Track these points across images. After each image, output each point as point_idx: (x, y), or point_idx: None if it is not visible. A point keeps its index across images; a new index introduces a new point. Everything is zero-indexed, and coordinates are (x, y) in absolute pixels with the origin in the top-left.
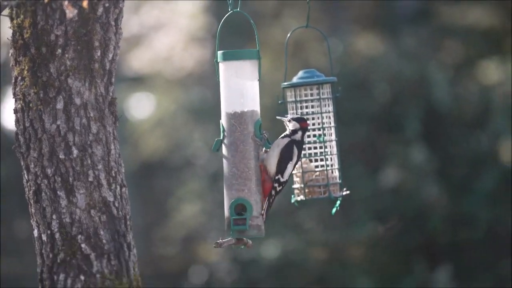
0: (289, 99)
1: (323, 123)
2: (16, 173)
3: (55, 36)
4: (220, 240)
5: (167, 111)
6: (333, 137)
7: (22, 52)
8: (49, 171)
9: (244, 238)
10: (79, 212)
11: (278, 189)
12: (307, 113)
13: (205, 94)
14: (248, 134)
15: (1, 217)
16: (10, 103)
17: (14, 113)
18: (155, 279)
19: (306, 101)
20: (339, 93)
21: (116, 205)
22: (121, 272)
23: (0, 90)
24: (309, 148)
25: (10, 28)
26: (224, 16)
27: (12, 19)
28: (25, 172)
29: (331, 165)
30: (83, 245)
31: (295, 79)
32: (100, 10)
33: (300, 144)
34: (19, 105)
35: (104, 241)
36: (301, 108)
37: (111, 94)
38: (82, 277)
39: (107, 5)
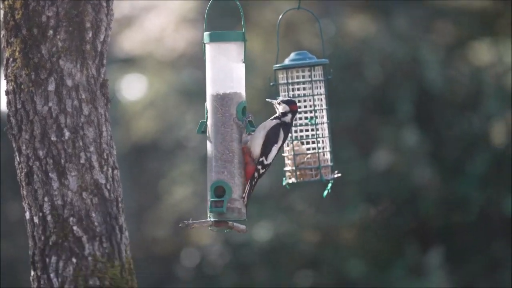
0: (280, 81)
1: (314, 106)
2: (9, 155)
3: (46, 17)
4: (188, 221)
5: (159, 93)
6: (325, 119)
7: (13, 33)
8: (40, 153)
9: (229, 222)
10: (71, 194)
11: (261, 171)
12: (298, 95)
13: (197, 76)
14: (230, 116)
15: None
16: (1, 85)
17: (6, 94)
18: (147, 261)
19: (298, 83)
20: (331, 75)
21: (108, 187)
22: (113, 254)
23: None
24: (301, 131)
25: (1, 9)
26: None
27: (3, 0)
28: (17, 154)
29: (323, 148)
30: (75, 228)
31: (287, 61)
32: None
33: (288, 127)
34: (11, 87)
35: (96, 223)
36: (293, 90)
37: (102, 75)
38: (74, 260)
39: None
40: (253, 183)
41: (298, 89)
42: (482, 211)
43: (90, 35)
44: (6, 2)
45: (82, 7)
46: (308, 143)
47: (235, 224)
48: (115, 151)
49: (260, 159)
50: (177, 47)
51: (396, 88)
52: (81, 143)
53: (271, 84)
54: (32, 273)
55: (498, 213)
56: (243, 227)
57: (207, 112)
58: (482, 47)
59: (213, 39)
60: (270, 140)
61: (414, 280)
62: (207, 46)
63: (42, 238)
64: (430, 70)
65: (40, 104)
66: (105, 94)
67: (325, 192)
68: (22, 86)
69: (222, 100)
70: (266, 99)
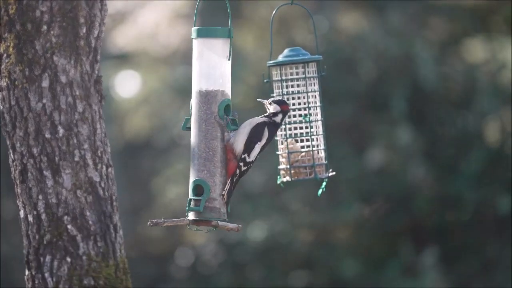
0: (274, 78)
1: (309, 103)
2: (3, 153)
3: (40, 12)
4: (158, 220)
5: (153, 90)
6: (319, 117)
7: (7, 28)
8: (35, 150)
9: (213, 221)
10: (65, 192)
11: (243, 169)
12: (292, 92)
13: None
14: (211, 114)
15: None
16: None
17: (0, 91)
18: (141, 261)
19: (291, 80)
20: (325, 71)
21: (102, 185)
22: (107, 254)
23: None
24: (295, 128)
25: None
26: None
27: None
28: (11, 151)
29: (317, 146)
30: (69, 226)
31: (280, 57)
32: None
33: (276, 126)
34: (5, 83)
35: (90, 222)
36: (287, 87)
37: (96, 72)
38: (68, 259)
39: None
40: (234, 180)
41: (292, 86)
42: (477, 210)
43: (84, 30)
44: None
45: (76, 2)
46: (302, 141)
47: (220, 223)
48: (109, 148)
49: (243, 156)
50: (171, 44)
51: (390, 85)
52: (75, 141)
53: (265, 81)
54: (27, 272)
55: (493, 212)
56: (233, 225)
57: (191, 108)
58: (476, 44)
59: (199, 34)
60: (253, 137)
61: (408, 280)
62: (194, 41)
63: (37, 237)
64: (424, 67)
65: (34, 100)
66: (99, 90)
67: (320, 191)
68: (16, 82)
69: (205, 97)
70: (258, 99)
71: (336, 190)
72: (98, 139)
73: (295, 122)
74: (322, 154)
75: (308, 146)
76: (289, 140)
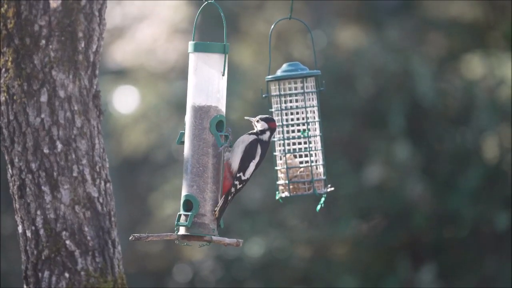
0: (273, 93)
1: (307, 118)
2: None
3: (39, 26)
4: (141, 234)
5: (151, 105)
6: (318, 132)
7: (6, 42)
8: (33, 165)
9: (206, 236)
10: (63, 208)
11: (238, 187)
12: (291, 107)
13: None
14: (203, 129)
15: None
16: None
17: None
18: (139, 277)
19: (290, 95)
20: (323, 86)
21: (101, 201)
22: (105, 269)
23: None
24: (294, 144)
25: None
26: (202, 8)
27: None
28: (9, 166)
29: (316, 161)
30: (67, 242)
31: (279, 72)
32: (84, 0)
33: (265, 144)
34: (3, 98)
35: (88, 237)
36: (285, 102)
37: (95, 86)
38: (66, 275)
39: None
40: (229, 198)
41: (291, 101)
42: (475, 227)
43: (83, 45)
44: None
45: (74, 17)
46: (301, 156)
47: (215, 238)
48: (108, 164)
49: (238, 175)
50: (169, 59)
51: (388, 100)
52: (73, 156)
53: (263, 96)
54: (25, 287)
55: (491, 228)
56: (230, 240)
57: (185, 123)
58: (474, 60)
59: (196, 49)
60: (248, 155)
61: None
62: (190, 55)
63: (35, 252)
64: (422, 83)
65: (33, 115)
66: (97, 105)
67: (319, 206)
68: (15, 97)
69: (197, 112)
70: (245, 117)
71: (334, 206)
72: (97, 154)
73: (293, 138)
74: (321, 169)
75: (306, 162)
76: (287, 155)
